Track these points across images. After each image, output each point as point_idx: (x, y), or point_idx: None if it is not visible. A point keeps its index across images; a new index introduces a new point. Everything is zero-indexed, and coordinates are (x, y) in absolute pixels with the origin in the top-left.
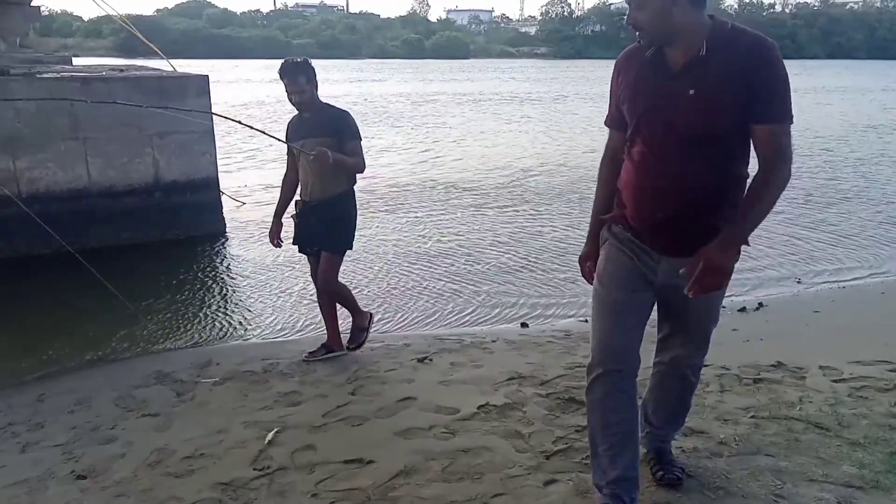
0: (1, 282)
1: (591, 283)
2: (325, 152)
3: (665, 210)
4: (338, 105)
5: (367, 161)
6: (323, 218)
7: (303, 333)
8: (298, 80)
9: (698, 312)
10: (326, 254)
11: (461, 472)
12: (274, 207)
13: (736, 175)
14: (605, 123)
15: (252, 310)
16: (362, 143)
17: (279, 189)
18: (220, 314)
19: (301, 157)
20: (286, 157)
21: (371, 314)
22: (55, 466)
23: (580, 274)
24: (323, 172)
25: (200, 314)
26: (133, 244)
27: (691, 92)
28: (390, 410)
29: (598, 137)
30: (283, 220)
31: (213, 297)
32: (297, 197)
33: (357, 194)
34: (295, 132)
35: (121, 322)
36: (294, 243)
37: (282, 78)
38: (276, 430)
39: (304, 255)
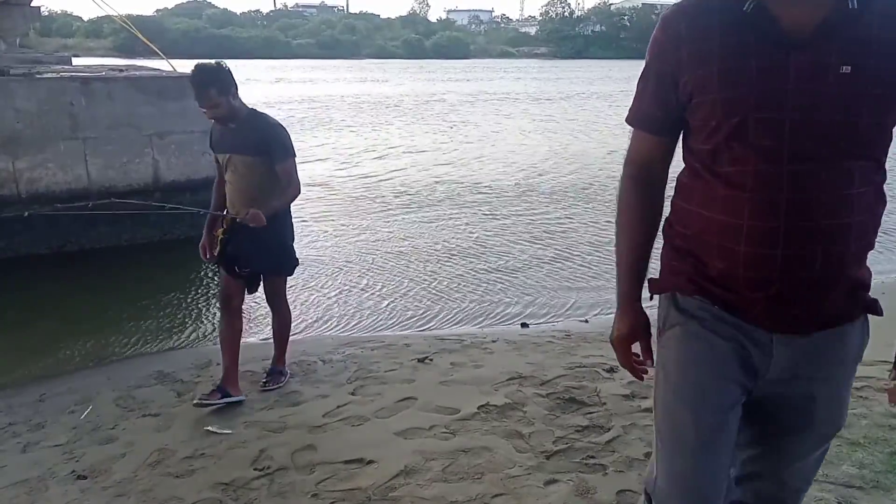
0: (2, 281)
1: (637, 376)
2: (258, 216)
3: (807, 267)
4: (273, 115)
5: (393, 160)
6: (254, 238)
7: (302, 333)
8: (208, 93)
9: (822, 422)
10: (271, 278)
11: (461, 472)
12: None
13: (881, 192)
14: (631, 121)
15: (251, 310)
16: (293, 161)
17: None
18: (220, 314)
19: (227, 169)
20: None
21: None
22: (55, 466)
23: (580, 273)
24: (249, 192)
25: (200, 314)
26: (133, 244)
27: (845, 69)
28: (390, 410)
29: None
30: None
31: (213, 297)
32: (225, 210)
33: (376, 193)
34: (219, 143)
35: (121, 322)
36: (218, 262)
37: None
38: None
39: (303, 253)
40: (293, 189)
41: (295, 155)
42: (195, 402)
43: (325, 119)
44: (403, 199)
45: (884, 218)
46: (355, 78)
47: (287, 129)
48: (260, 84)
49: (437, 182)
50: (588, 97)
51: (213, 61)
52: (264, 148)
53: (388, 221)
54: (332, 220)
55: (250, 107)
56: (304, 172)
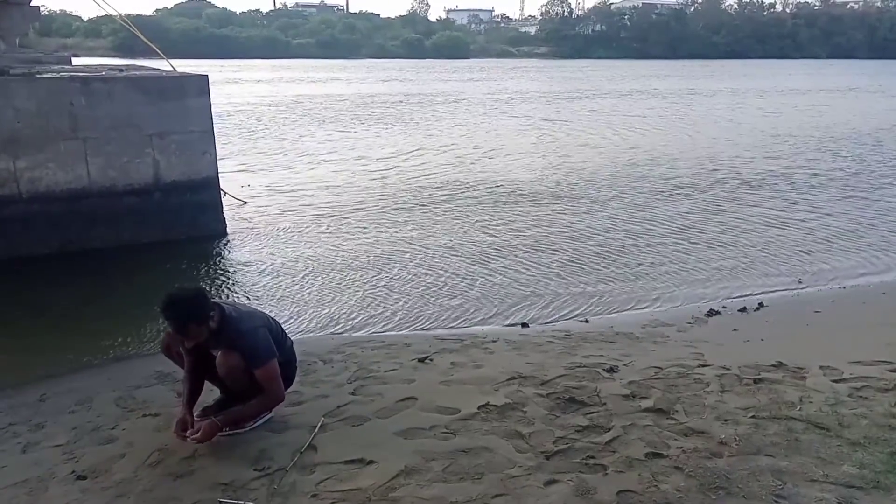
0: (2, 281)
1: None
2: (209, 429)
3: None
4: (245, 319)
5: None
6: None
7: (302, 334)
8: (188, 328)
9: None
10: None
11: (461, 473)
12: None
13: None
14: None
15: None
16: (271, 364)
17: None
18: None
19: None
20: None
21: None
22: (56, 467)
23: (580, 273)
24: (233, 384)
25: None
26: (133, 244)
27: None
28: (391, 410)
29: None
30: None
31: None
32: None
33: (404, 191)
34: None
35: (121, 322)
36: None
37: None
38: None
39: (305, 254)
40: (271, 399)
41: (272, 358)
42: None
43: (369, 116)
44: (407, 201)
45: (883, 218)
46: (374, 78)
47: (262, 328)
48: (286, 84)
49: (450, 181)
50: (613, 96)
51: (188, 287)
52: (240, 351)
53: (391, 222)
54: (336, 221)
55: (224, 304)
56: (322, 170)
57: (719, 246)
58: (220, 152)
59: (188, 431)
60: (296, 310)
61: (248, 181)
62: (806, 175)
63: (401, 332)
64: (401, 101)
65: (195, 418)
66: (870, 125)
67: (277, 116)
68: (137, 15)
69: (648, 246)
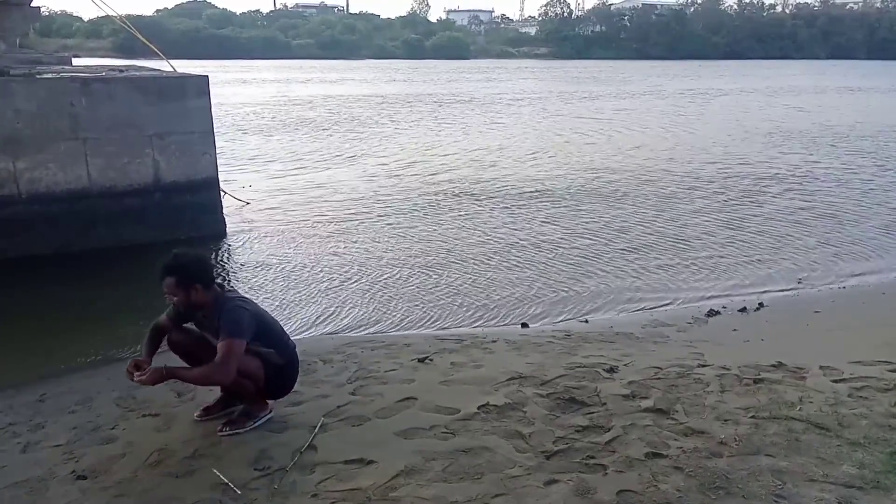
0: (2, 282)
1: None
2: (153, 375)
3: None
4: (235, 296)
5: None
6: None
7: (302, 334)
8: (167, 280)
9: None
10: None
11: (461, 472)
12: None
13: None
14: None
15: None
16: (237, 342)
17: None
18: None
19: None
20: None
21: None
22: (56, 467)
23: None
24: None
25: None
26: (133, 245)
27: None
28: (391, 410)
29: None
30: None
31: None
32: None
33: (414, 193)
34: (199, 325)
35: (121, 322)
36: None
37: None
38: None
39: (305, 255)
40: (219, 371)
41: (240, 337)
42: (220, 432)
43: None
44: (415, 202)
45: (882, 218)
46: (382, 78)
47: (248, 311)
48: (298, 84)
49: (459, 182)
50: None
51: (194, 252)
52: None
53: (393, 224)
54: (338, 222)
55: (227, 292)
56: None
57: (721, 246)
58: (229, 153)
59: (137, 373)
60: (295, 310)
61: (251, 182)
62: (820, 172)
63: (401, 332)
64: (419, 101)
65: (197, 417)
66: (885, 123)
67: (293, 117)
68: (137, 15)
69: (650, 246)
